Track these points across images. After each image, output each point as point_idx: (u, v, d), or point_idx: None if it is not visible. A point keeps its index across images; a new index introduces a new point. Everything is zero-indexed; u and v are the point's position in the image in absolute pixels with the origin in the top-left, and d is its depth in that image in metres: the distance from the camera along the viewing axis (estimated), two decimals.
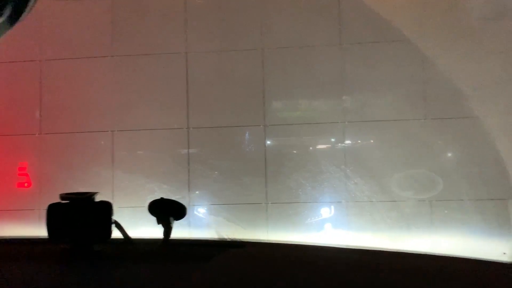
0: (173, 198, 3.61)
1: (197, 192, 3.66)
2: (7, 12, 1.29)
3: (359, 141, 3.58)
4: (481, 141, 3.22)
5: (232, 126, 3.64)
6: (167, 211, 1.86)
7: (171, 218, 1.85)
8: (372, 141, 3.58)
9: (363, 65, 3.50)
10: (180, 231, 3.42)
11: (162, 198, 1.87)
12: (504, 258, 2.74)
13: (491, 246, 2.99)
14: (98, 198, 1.81)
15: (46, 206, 1.77)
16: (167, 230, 1.84)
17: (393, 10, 3.37)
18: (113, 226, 1.81)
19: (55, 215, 1.74)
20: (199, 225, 3.59)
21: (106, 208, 1.79)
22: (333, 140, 3.60)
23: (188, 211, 3.58)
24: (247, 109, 3.64)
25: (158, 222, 1.86)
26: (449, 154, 3.43)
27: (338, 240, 3.41)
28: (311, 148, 3.63)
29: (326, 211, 3.52)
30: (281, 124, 3.61)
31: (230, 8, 3.66)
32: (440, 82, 3.33)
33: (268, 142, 3.62)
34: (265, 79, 3.60)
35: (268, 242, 2.47)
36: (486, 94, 3.18)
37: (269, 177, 3.56)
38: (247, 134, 3.65)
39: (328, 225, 3.50)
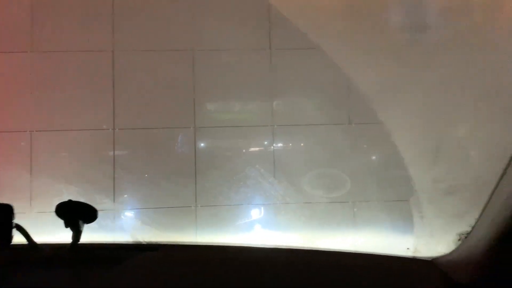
0: (98, 202, 3.45)
1: (125, 195, 3.53)
2: None
3: (290, 144, 3.66)
4: (389, 145, 3.44)
5: (161, 128, 3.56)
6: (76, 214, 1.76)
7: (81, 222, 1.76)
8: (302, 144, 3.67)
9: (291, 70, 3.60)
10: (104, 237, 3.31)
11: (70, 200, 1.78)
12: (408, 253, 2.95)
13: (397, 242, 3.22)
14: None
15: None
16: (76, 234, 1.75)
17: (318, 18, 3.51)
18: (14, 230, 1.69)
19: None
20: (125, 230, 3.47)
21: (6, 210, 1.66)
22: (264, 143, 3.64)
23: (113, 216, 3.49)
24: (176, 110, 3.58)
25: (66, 226, 1.76)
26: (365, 158, 3.63)
27: (267, 241, 3.46)
28: (243, 150, 3.65)
29: (256, 213, 3.56)
30: (211, 127, 3.60)
31: (159, 7, 3.59)
32: (358, 88, 3.52)
33: (199, 145, 3.59)
34: (195, 81, 3.57)
35: (188, 244, 2.43)
36: (388, 99, 3.41)
37: (199, 180, 3.52)
38: (180, 137, 3.59)
39: (258, 226, 3.53)
